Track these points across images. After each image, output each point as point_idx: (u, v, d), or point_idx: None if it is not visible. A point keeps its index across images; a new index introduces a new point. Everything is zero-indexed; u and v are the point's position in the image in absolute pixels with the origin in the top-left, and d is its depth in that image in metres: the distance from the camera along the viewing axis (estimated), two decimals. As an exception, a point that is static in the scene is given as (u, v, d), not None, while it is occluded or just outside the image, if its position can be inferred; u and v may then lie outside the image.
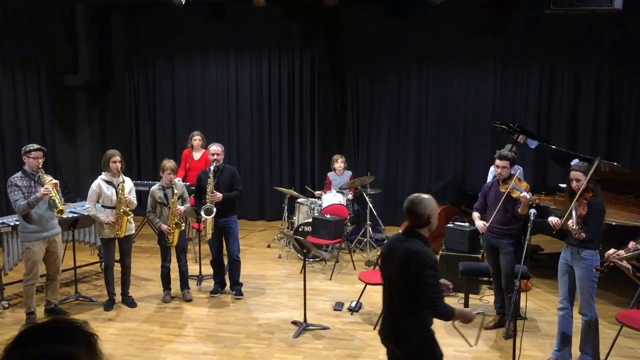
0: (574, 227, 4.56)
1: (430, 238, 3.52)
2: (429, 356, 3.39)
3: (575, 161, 6.38)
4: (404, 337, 3.37)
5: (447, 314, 3.33)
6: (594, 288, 4.74)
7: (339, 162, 8.57)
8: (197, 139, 8.62)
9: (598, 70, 9.13)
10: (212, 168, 6.47)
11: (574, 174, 4.76)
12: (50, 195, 5.62)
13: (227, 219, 6.57)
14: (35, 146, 5.71)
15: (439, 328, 5.63)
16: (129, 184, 6.30)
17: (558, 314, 5.02)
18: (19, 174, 5.69)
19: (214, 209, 6.40)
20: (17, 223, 5.92)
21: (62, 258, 6.16)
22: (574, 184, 4.73)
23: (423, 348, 3.37)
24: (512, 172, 5.59)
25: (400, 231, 3.58)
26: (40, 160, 5.68)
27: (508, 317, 5.44)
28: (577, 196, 4.63)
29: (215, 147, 6.60)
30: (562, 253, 4.92)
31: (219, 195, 6.40)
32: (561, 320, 4.97)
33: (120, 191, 6.14)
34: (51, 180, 5.68)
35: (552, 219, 4.88)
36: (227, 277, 6.84)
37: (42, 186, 5.62)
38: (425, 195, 3.44)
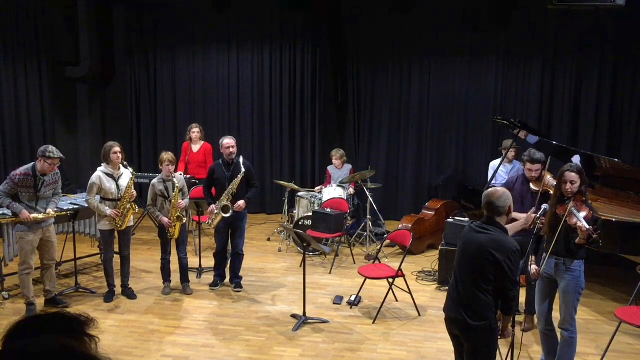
0: (585, 228, 4.12)
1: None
2: (492, 344, 3.63)
3: (576, 158, 6.35)
4: (473, 323, 3.55)
5: (513, 303, 3.62)
6: (578, 301, 4.50)
7: (337, 158, 8.57)
8: (195, 131, 8.60)
9: (600, 67, 9.09)
10: (240, 176, 6.43)
11: (568, 175, 4.36)
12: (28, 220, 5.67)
13: (238, 214, 6.56)
14: (56, 154, 5.63)
15: (439, 324, 5.67)
16: (128, 176, 6.28)
17: (540, 333, 4.76)
18: (27, 170, 5.65)
19: (231, 209, 6.42)
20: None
21: (56, 246, 6.17)
22: (567, 186, 4.35)
23: (489, 336, 3.60)
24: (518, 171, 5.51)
25: (473, 221, 3.79)
26: (55, 168, 5.72)
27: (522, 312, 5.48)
28: (572, 199, 4.33)
29: (229, 140, 6.59)
30: (543, 265, 4.56)
31: (242, 203, 6.47)
32: (545, 339, 4.70)
33: (128, 187, 6.15)
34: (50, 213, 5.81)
35: (533, 269, 4.60)
36: (227, 270, 6.86)
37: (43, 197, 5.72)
38: (500, 189, 3.74)
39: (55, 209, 5.98)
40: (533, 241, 4.57)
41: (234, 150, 6.54)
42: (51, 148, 5.69)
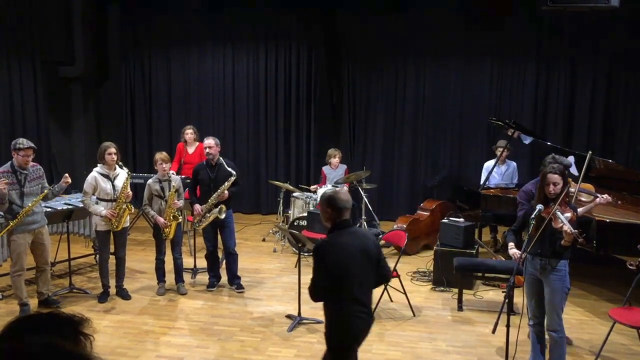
0: (570, 231, 4.11)
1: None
2: None
3: (571, 158, 6.35)
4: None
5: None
6: (565, 300, 4.51)
7: (335, 158, 8.56)
8: (188, 132, 8.55)
9: (594, 67, 9.14)
10: (232, 179, 6.41)
11: (551, 177, 4.34)
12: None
13: None
14: (26, 144, 5.60)
15: (434, 325, 5.67)
16: (123, 176, 6.26)
17: (530, 330, 4.77)
18: (6, 167, 5.64)
19: (225, 211, 6.43)
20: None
21: (50, 249, 6.12)
22: (550, 188, 4.33)
23: None
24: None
25: (327, 228, 3.71)
26: (29, 159, 5.65)
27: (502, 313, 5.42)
28: (559, 200, 4.30)
29: (208, 141, 6.55)
30: (528, 265, 4.54)
31: (226, 194, 6.46)
32: (535, 336, 4.69)
33: (124, 187, 6.13)
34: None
35: (512, 252, 4.60)
36: (221, 270, 6.83)
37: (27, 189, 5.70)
38: (342, 189, 3.89)
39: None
40: (510, 232, 4.76)
41: (210, 150, 6.47)
42: (21, 140, 5.67)
